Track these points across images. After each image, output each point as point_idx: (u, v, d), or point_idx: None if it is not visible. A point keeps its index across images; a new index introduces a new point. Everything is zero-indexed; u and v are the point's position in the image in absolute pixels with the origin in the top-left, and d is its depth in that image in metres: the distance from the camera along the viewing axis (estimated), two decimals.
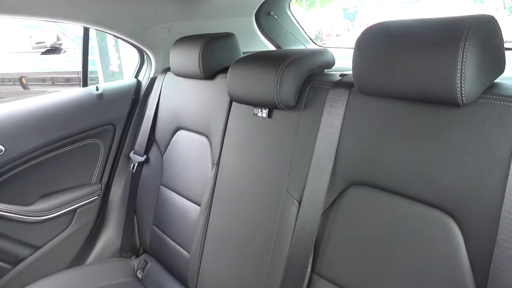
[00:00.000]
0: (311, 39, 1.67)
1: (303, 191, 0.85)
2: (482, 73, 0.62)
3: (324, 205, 0.82)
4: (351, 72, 0.78)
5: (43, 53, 3.85)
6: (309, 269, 0.84)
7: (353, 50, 0.74)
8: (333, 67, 1.02)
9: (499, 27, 0.66)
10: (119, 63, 3.23)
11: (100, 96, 1.46)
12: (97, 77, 3.16)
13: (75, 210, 1.45)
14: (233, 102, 1.09)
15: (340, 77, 0.89)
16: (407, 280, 0.70)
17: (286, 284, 0.87)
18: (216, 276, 1.08)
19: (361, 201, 0.77)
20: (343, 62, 1.08)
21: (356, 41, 0.73)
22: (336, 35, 10.65)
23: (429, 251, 0.67)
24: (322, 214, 0.82)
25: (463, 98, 0.61)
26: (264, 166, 0.96)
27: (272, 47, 1.62)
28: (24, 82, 3.96)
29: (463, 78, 0.60)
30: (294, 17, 1.61)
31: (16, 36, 4.01)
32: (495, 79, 0.67)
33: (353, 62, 0.74)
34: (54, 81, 3.85)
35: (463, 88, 0.60)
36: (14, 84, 4.01)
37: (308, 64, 0.93)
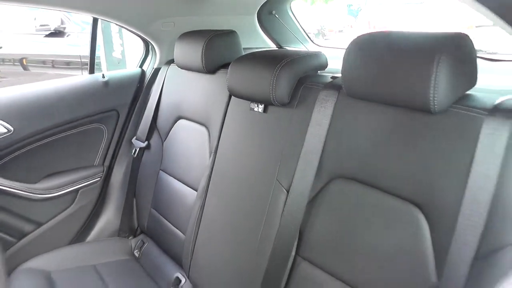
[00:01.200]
0: (309, 38, 1.74)
1: (292, 181, 0.94)
2: (453, 85, 0.70)
3: (310, 194, 0.91)
4: (340, 75, 0.86)
5: (46, 35, 3.88)
6: (293, 252, 0.93)
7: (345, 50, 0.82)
8: (326, 68, 1.10)
9: (472, 44, 0.74)
10: (122, 50, 3.28)
11: (106, 84, 1.54)
12: (99, 62, 3.21)
13: (77, 190, 1.53)
14: (232, 97, 1.17)
15: (331, 79, 0.97)
16: (379, 262, 0.79)
17: (272, 264, 0.96)
18: (209, 257, 1.17)
19: (343, 192, 0.86)
20: (337, 63, 1.16)
21: (346, 49, 0.81)
22: (339, 31, 10.67)
23: (399, 238, 0.76)
24: (307, 203, 0.91)
25: (435, 106, 0.69)
26: (258, 156, 1.05)
27: (272, 45, 1.69)
28: (25, 63, 4.00)
29: (436, 89, 0.68)
30: (294, 17, 1.68)
31: (21, 17, 4.04)
32: (466, 91, 0.76)
33: (342, 68, 0.82)
34: (55, 64, 3.88)
35: (435, 98, 0.69)
36: (14, 65, 4.04)
37: (303, 65, 1.01)
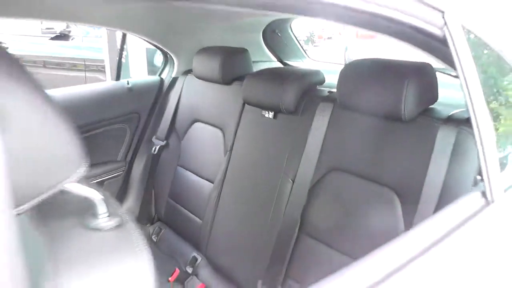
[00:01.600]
0: (306, 53, 2.01)
1: (296, 173, 1.19)
2: (418, 101, 0.96)
3: (311, 183, 1.16)
4: (335, 90, 1.11)
5: (52, 38, 4.04)
6: (297, 229, 1.18)
7: (336, 65, 1.07)
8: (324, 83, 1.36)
9: (434, 71, 1.00)
10: (126, 54, 3.48)
11: (130, 89, 1.76)
12: (103, 65, 3.41)
13: (103, 182, 1.74)
14: (245, 104, 1.41)
15: (328, 93, 1.23)
16: (365, 234, 1.04)
17: (279, 240, 1.20)
18: (224, 237, 1.41)
19: (338, 181, 1.11)
20: (331, 77, 1.42)
21: (341, 72, 1.07)
22: (328, 38, 10.99)
23: (379, 215, 1.01)
24: (309, 190, 1.16)
25: (405, 116, 0.95)
26: (268, 153, 1.30)
27: (274, 58, 1.94)
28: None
29: (405, 103, 0.94)
30: (294, 36, 1.94)
31: (28, 20, 4.17)
32: (430, 105, 1.02)
33: (337, 86, 1.08)
34: (61, 65, 4.04)
35: (405, 110, 0.94)
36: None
37: (306, 81, 1.26)
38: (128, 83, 1.76)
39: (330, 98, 1.18)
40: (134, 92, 1.78)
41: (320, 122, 1.16)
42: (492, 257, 0.60)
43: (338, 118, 1.14)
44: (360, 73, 1.03)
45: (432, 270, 0.56)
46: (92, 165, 1.74)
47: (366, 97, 1.01)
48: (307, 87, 1.27)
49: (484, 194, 0.59)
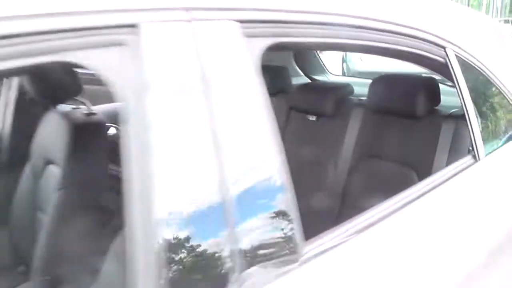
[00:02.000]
0: (328, 70, 2.44)
1: (337, 161, 1.59)
2: (427, 103, 1.37)
3: (349, 168, 1.56)
4: (364, 98, 1.53)
5: None
6: (339, 203, 1.57)
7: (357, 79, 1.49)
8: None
9: (437, 82, 1.42)
10: None
11: None
12: None
13: None
14: (292, 110, 1.82)
15: (359, 101, 1.65)
16: None
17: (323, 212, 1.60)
18: None
19: (370, 165, 1.52)
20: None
21: (370, 85, 1.48)
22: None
23: (401, 191, 1.42)
24: (347, 174, 1.56)
25: (419, 114, 1.36)
26: (314, 149, 1.70)
27: (302, 74, 2.37)
28: None
29: (418, 105, 1.35)
30: (318, 55, 2.37)
31: None
32: (435, 106, 1.43)
33: (368, 95, 1.49)
34: None
35: (418, 110, 1.36)
36: None
37: (341, 91, 1.69)
38: None
39: (360, 104, 1.60)
40: None
41: (355, 122, 1.58)
42: (480, 195, 0.99)
43: (369, 119, 1.55)
44: (386, 85, 1.45)
45: (433, 207, 0.92)
46: None
47: (391, 102, 1.43)
48: (342, 96, 1.69)
49: (474, 156, 0.99)
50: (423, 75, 1.47)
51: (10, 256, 1.45)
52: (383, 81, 1.47)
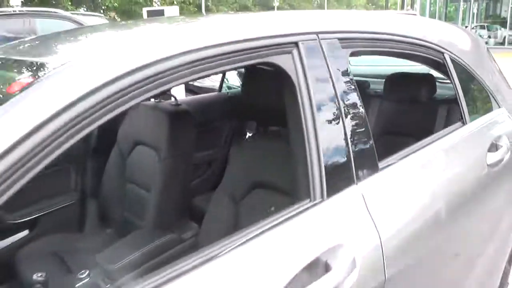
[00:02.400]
0: None
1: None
2: (428, 91, 1.91)
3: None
4: (380, 90, 2.06)
5: None
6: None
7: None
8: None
9: (434, 78, 1.96)
10: None
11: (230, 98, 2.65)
12: None
13: None
14: None
15: (374, 93, 2.18)
16: None
17: None
18: None
19: (387, 138, 2.04)
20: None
21: (385, 80, 2.01)
22: None
23: None
24: None
25: (422, 99, 1.90)
26: None
27: None
28: None
29: (422, 92, 1.89)
30: None
31: None
32: (433, 94, 1.97)
33: (384, 88, 2.02)
34: None
35: (422, 95, 1.89)
36: None
37: (362, 85, 2.21)
38: (227, 93, 2.66)
39: (376, 95, 2.13)
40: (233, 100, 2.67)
41: (373, 109, 2.10)
42: (466, 145, 1.53)
43: (384, 106, 2.08)
44: (398, 80, 1.98)
45: (433, 156, 1.45)
46: None
47: (402, 92, 1.96)
48: (362, 89, 2.21)
49: (462, 122, 1.51)
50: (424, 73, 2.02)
51: (100, 222, 1.90)
52: (395, 78, 2.00)
